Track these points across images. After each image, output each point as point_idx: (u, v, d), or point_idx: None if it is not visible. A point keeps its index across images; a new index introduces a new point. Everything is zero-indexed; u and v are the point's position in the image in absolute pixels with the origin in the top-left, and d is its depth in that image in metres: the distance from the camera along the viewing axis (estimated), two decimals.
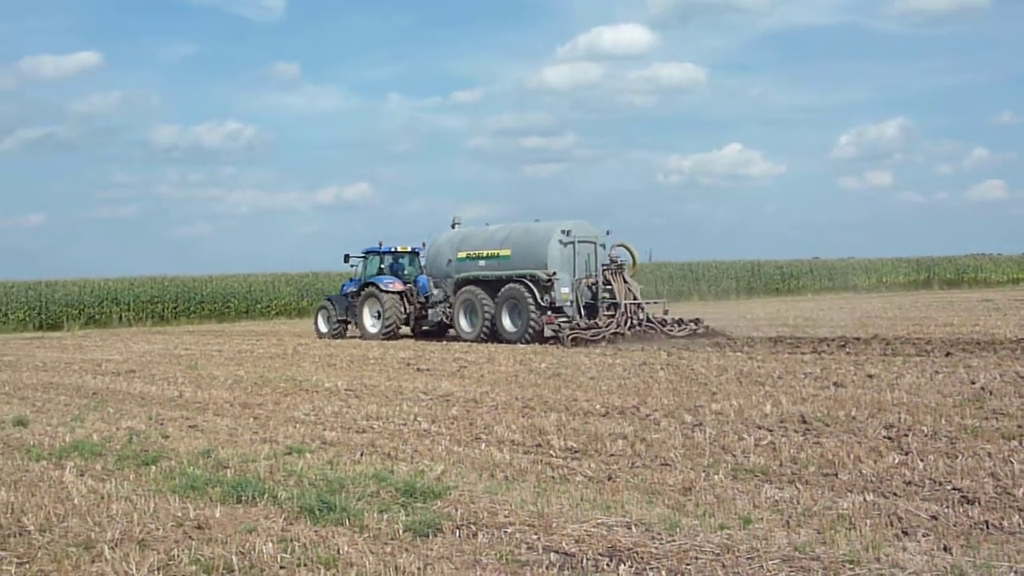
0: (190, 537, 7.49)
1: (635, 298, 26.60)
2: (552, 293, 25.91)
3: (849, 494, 8.15)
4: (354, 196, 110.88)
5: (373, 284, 30.50)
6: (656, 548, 6.84)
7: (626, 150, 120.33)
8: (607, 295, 26.49)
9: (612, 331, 25.16)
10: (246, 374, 19.91)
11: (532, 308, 25.87)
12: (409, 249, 31.84)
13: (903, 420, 11.28)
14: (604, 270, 26.80)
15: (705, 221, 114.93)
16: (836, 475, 8.81)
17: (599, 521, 7.53)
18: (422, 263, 31.09)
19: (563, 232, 26.51)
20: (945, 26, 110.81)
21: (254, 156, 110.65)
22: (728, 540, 6.94)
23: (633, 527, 7.35)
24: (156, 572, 6.65)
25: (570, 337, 24.59)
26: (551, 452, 10.41)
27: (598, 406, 13.27)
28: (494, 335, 26.95)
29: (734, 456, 9.78)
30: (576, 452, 10.37)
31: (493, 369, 19.09)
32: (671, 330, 25.90)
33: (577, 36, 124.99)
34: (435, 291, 29.22)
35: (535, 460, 10.01)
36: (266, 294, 55.68)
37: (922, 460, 9.20)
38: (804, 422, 11.42)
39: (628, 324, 25.73)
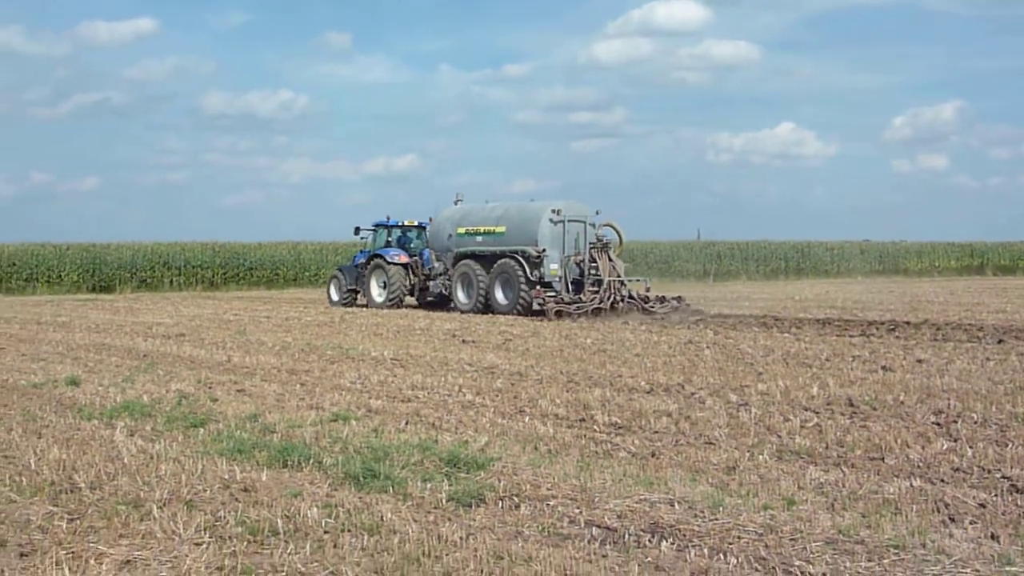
0: (236, 499, 7.59)
1: (619, 276, 27.68)
2: (541, 269, 27.30)
3: (895, 479, 8.08)
4: (403, 167, 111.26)
5: (380, 256, 31.99)
6: (699, 526, 6.83)
7: (676, 127, 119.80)
8: (593, 272, 27.53)
9: (594, 306, 26.44)
10: (293, 341, 20.07)
11: (522, 282, 27.35)
12: (416, 223, 33.28)
13: (952, 406, 11.16)
14: (591, 248, 27.85)
15: (755, 200, 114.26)
16: (883, 459, 8.75)
17: (642, 497, 7.53)
18: (427, 237, 32.31)
19: (553, 211, 27.85)
20: (1008, 7, 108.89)
21: (306, 126, 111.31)
22: (771, 521, 6.91)
23: (676, 504, 7.34)
24: (203, 532, 6.74)
25: (554, 310, 25.92)
26: (595, 427, 10.41)
27: (643, 383, 13.25)
28: (488, 307, 28.31)
29: (779, 437, 9.73)
30: (620, 428, 10.37)
31: (538, 343, 19.10)
32: (652, 307, 27.19)
33: (629, 11, 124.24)
34: (436, 264, 30.61)
35: (579, 434, 10.02)
36: (315, 262, 56.03)
37: (971, 447, 9.11)
38: (851, 405, 11.33)
39: (611, 300, 26.97)
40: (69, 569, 5.98)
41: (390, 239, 33.03)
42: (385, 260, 31.65)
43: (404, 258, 31.67)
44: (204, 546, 6.45)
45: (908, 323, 22.66)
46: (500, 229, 28.80)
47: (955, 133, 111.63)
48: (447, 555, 6.24)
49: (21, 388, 13.84)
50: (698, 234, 73.91)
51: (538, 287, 27.13)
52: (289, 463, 8.70)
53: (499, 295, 28.15)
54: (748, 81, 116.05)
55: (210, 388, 13.46)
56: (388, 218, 33.27)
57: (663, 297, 28.17)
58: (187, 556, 6.24)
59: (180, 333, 22.45)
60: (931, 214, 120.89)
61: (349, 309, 31.01)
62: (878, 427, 10.03)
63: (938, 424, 10.22)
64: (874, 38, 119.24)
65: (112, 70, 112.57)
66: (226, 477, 8.23)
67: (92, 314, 30.75)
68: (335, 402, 12.13)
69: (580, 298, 26.87)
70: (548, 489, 7.82)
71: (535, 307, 26.79)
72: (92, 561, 6.18)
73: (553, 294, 27.03)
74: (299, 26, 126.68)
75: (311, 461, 8.74)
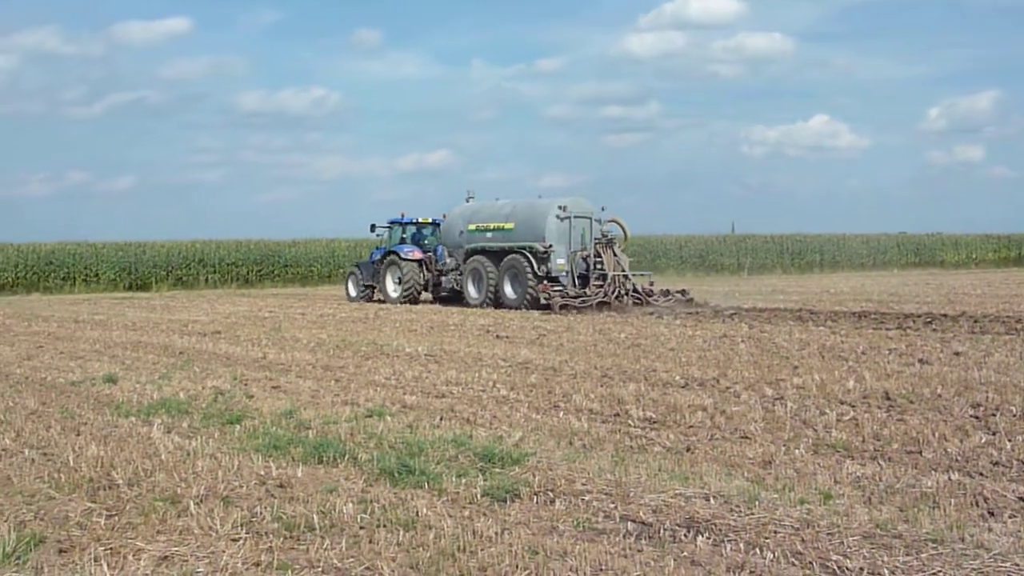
0: (272, 495, 7.62)
1: (623, 270, 28.50)
2: (548, 264, 28.05)
3: (933, 472, 8.01)
4: (435, 163, 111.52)
5: (394, 252, 32.81)
6: (734, 520, 6.80)
7: (710, 120, 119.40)
8: (598, 267, 28.34)
9: (599, 300, 27.44)
10: (328, 337, 20.15)
11: (530, 277, 28.03)
12: (430, 220, 34.11)
13: (991, 399, 11.05)
14: (596, 244, 28.64)
15: (789, 193, 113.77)
16: (920, 453, 8.68)
17: (677, 492, 7.51)
18: (440, 233, 33.14)
19: (560, 208, 28.55)
20: None
21: (338, 122, 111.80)
22: (808, 515, 6.87)
23: (711, 499, 7.31)
24: (239, 528, 6.77)
25: (559, 304, 26.80)
26: (629, 422, 10.39)
27: (677, 377, 13.21)
28: (497, 301, 28.98)
29: (815, 431, 9.67)
30: (654, 422, 10.34)
31: (572, 338, 19.08)
32: (656, 300, 28.26)
33: (662, 5, 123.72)
34: (448, 260, 31.55)
35: (613, 429, 10.00)
36: (349, 259, 56.17)
37: (1010, 440, 9.02)
38: (888, 398, 11.25)
39: (616, 294, 27.92)
40: (108, 565, 6.03)
41: (404, 236, 33.86)
42: (399, 256, 32.45)
43: (418, 254, 32.50)
44: (241, 542, 6.49)
45: (945, 316, 22.46)
46: (509, 225, 29.53)
47: (991, 123, 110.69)
48: (482, 550, 6.24)
49: (60, 386, 13.98)
50: (732, 227, 73.74)
51: (545, 281, 27.73)
52: (324, 459, 8.73)
53: (508, 290, 28.87)
54: (782, 73, 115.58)
55: (246, 385, 13.54)
56: (402, 215, 34.07)
57: (667, 290, 29.10)
58: (224, 552, 6.28)
59: (216, 330, 22.59)
60: (968, 205, 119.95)
61: (383, 306, 31.13)
62: (915, 420, 9.95)
63: (976, 417, 10.13)
64: (908, 28, 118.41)
65: (146, 70, 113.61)
66: (262, 473, 8.28)
67: (129, 312, 31.01)
68: (370, 398, 12.17)
69: (585, 292, 27.62)
70: (583, 484, 7.80)
71: (542, 301, 27.36)
72: (130, 557, 6.23)
73: (560, 288, 27.59)
74: (331, 23, 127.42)
75: (346, 457, 8.76)
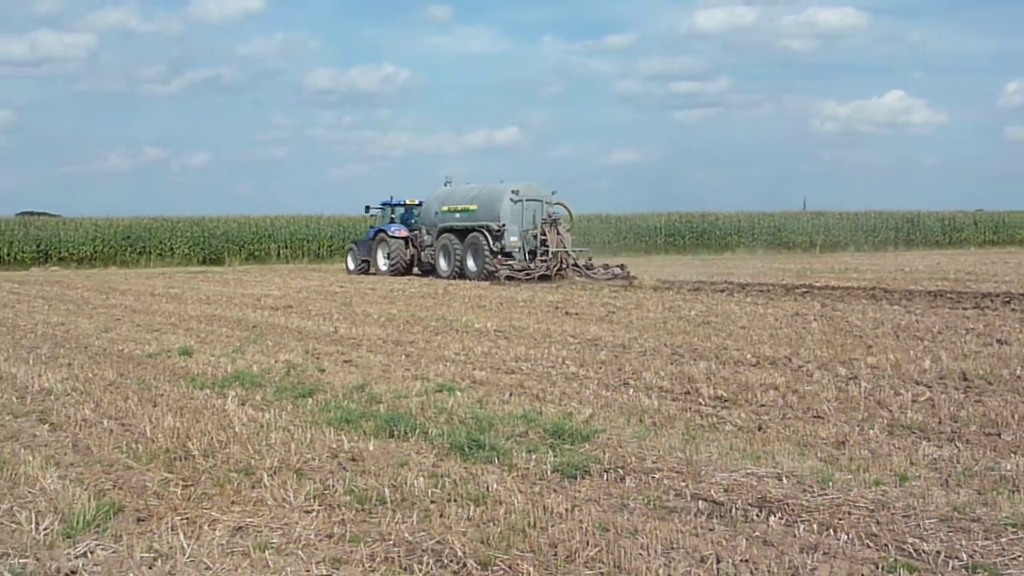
0: (344, 468, 7.69)
1: (565, 248, 31.99)
2: (502, 241, 31.81)
3: (1013, 455, 7.84)
4: (504, 139, 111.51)
5: (383, 231, 36.95)
6: (807, 501, 6.73)
7: (781, 95, 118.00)
8: (544, 244, 31.85)
9: (540, 273, 31.06)
10: (398, 312, 20.27)
11: (487, 252, 31.77)
12: (417, 202, 37.72)
13: None
14: (543, 223, 32.13)
15: (862, 170, 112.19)
16: (999, 435, 8.51)
17: (749, 471, 7.45)
18: (420, 213, 36.95)
19: (513, 192, 32.27)
20: None
21: (408, 99, 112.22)
22: (883, 496, 6.78)
23: (784, 479, 7.24)
24: (312, 500, 6.85)
25: (505, 275, 30.64)
26: (700, 400, 10.32)
27: (749, 355, 13.09)
28: (462, 274, 32.66)
29: (890, 411, 9.53)
30: (726, 401, 10.25)
31: (641, 315, 19.00)
32: (594, 274, 31.39)
33: None
34: (426, 237, 35.33)
35: (684, 407, 9.94)
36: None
37: None
38: (965, 379, 11.04)
39: (557, 268, 31.43)
40: (184, 534, 6.13)
41: (394, 216, 37.79)
42: (387, 234, 36.43)
43: (404, 232, 36.29)
44: (314, 514, 6.56)
45: None
46: (473, 207, 33.33)
47: None
48: (552, 526, 6.25)
49: (136, 358, 14.23)
50: (804, 204, 72.87)
51: (499, 256, 31.51)
52: (395, 433, 8.79)
53: (470, 263, 32.58)
54: (855, 48, 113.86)
55: (317, 359, 13.67)
56: (392, 197, 38.22)
57: (606, 265, 32.48)
58: (297, 523, 6.35)
59: (288, 305, 22.84)
60: None
61: (452, 281, 31.46)
62: (994, 402, 9.76)
63: None
64: (985, 0, 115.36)
65: (222, 47, 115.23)
66: (334, 446, 8.36)
67: (203, 286, 31.47)
68: (440, 373, 12.22)
69: (529, 266, 31.34)
70: (653, 462, 7.77)
71: (497, 274, 30.99)
72: (206, 527, 6.33)
73: (511, 263, 31.37)
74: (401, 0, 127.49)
75: (417, 431, 8.82)
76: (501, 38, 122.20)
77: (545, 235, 31.88)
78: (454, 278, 32.41)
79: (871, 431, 8.72)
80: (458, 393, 10.74)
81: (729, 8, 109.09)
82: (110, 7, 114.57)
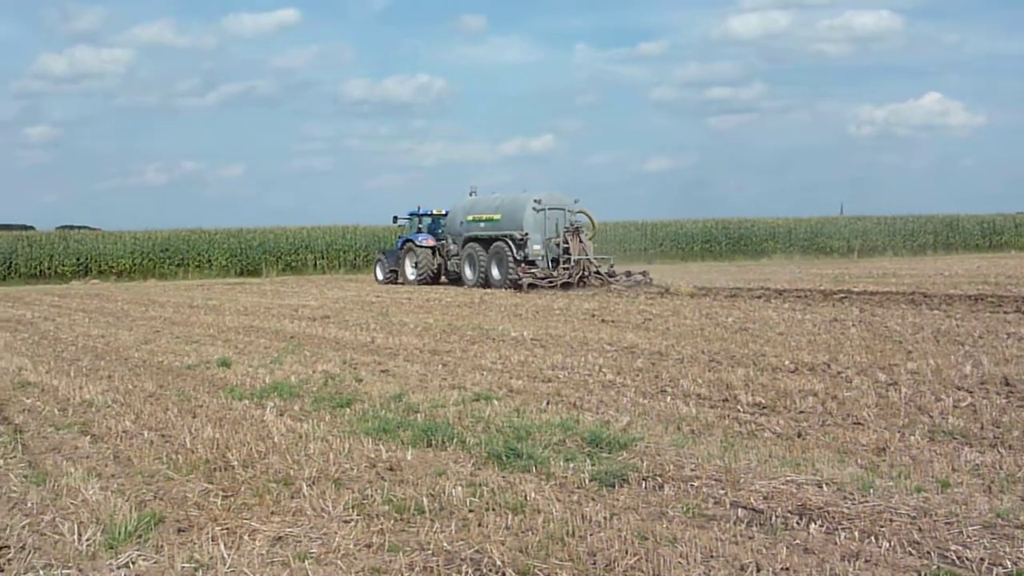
0: (383, 478, 7.71)
1: (587, 255, 32.34)
2: (525, 249, 32.26)
3: None
4: (539, 147, 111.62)
5: (411, 240, 37.52)
6: (848, 508, 6.67)
7: (816, 100, 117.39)
8: (566, 252, 32.28)
9: (563, 280, 31.36)
10: (435, 322, 20.31)
11: (510, 261, 32.21)
12: (443, 212, 38.00)
13: None
14: (565, 232, 32.55)
15: (900, 173, 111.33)
16: None
17: (788, 478, 7.39)
18: (446, 223, 37.33)
19: (535, 201, 32.74)
20: None
21: (443, 108, 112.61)
22: (925, 503, 6.71)
23: (824, 486, 7.19)
24: (351, 510, 6.87)
25: (528, 284, 30.76)
26: (738, 407, 10.27)
27: (787, 362, 13.01)
28: (487, 283, 33.08)
29: (931, 417, 9.44)
30: (764, 408, 10.20)
31: (678, 322, 18.93)
32: (617, 280, 31.84)
33: None
34: (452, 246, 35.78)
35: (722, 415, 9.90)
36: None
37: None
38: (1007, 384, 10.92)
39: (580, 276, 31.78)
40: (224, 545, 6.17)
41: (421, 226, 38.29)
42: (415, 244, 37.05)
43: (431, 242, 36.89)
44: (352, 523, 6.59)
45: None
46: (496, 216, 33.75)
47: None
48: (591, 535, 6.23)
49: (176, 369, 14.34)
50: (841, 209, 72.44)
51: (523, 264, 31.90)
52: (433, 442, 8.80)
53: (494, 272, 32.98)
54: (891, 51, 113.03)
55: (355, 369, 13.71)
56: (419, 208, 38.59)
57: (629, 272, 32.77)
58: (336, 533, 6.38)
59: (325, 315, 22.94)
60: None
61: (488, 291, 31.49)
62: None
63: None
64: (1022, 1, 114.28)
65: (257, 60, 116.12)
66: (372, 456, 8.38)
67: (241, 297, 31.67)
68: (477, 382, 12.23)
69: (552, 273, 31.63)
70: (692, 470, 7.74)
71: (520, 282, 31.12)
72: (246, 537, 6.36)
73: (534, 271, 31.70)
74: (436, 10, 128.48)
75: (454, 440, 8.82)
76: (535, 47, 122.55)
77: (567, 243, 32.36)
78: (479, 287, 32.99)
79: (912, 437, 8.65)
80: (495, 402, 10.74)
81: (763, 13, 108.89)
82: (147, 22, 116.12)
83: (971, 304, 21.16)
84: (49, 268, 51.34)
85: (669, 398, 10.82)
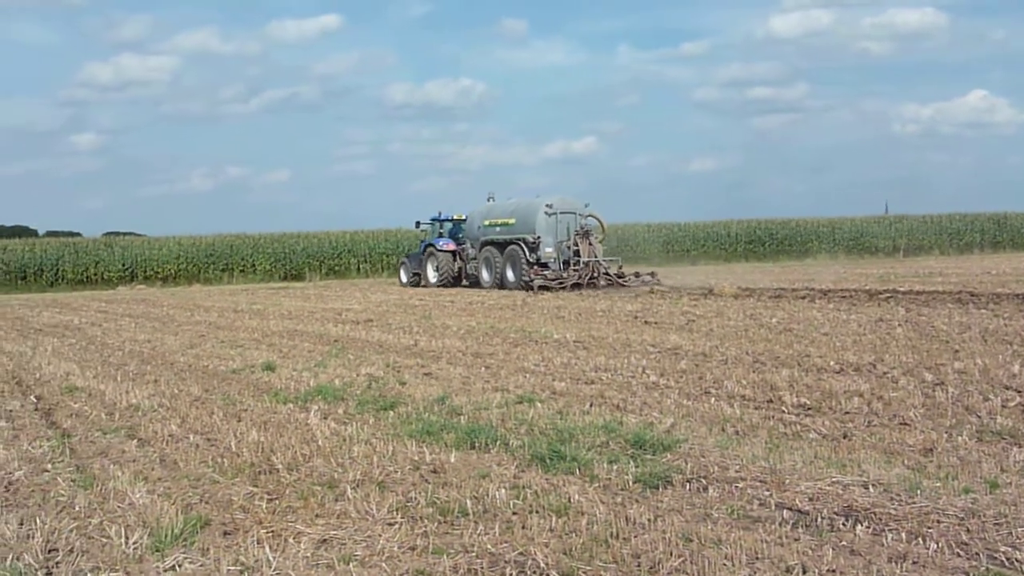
0: (426, 480, 7.73)
1: (596, 257, 33.60)
2: (538, 252, 33.80)
3: None
4: (580, 150, 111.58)
5: (432, 245, 39.08)
6: (895, 509, 6.60)
7: (860, 99, 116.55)
8: (576, 254, 33.62)
9: (573, 282, 32.61)
10: (477, 324, 20.34)
11: (523, 263, 33.71)
12: (463, 217, 39.38)
13: None
14: (576, 235, 33.90)
15: (945, 172, 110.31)
16: None
17: (834, 480, 7.33)
18: (464, 228, 38.96)
19: (547, 205, 34.21)
20: None
21: (485, 112, 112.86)
22: (973, 504, 6.63)
23: (870, 487, 7.12)
24: (395, 512, 6.89)
25: (539, 285, 32.09)
26: (783, 408, 10.20)
27: (832, 362, 12.90)
28: (503, 284, 34.52)
29: (979, 417, 9.32)
30: (809, 409, 10.12)
31: (722, 323, 18.83)
32: (627, 281, 33.18)
33: None
34: (471, 250, 37.43)
35: (766, 416, 9.83)
36: None
37: None
38: None
39: (589, 277, 32.99)
40: (270, 547, 6.20)
41: (442, 231, 39.89)
42: (436, 248, 38.56)
43: (451, 246, 38.48)
44: (396, 526, 6.60)
45: None
46: (511, 221, 35.26)
47: None
48: (635, 537, 6.21)
49: (221, 374, 14.45)
50: (886, 208, 71.80)
51: (536, 267, 33.29)
52: (476, 445, 8.81)
53: (509, 274, 34.45)
54: (935, 49, 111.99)
55: (398, 372, 13.76)
56: (440, 213, 40.19)
57: (637, 273, 34.21)
58: (380, 536, 6.40)
59: (368, 319, 23.04)
60: None
61: (529, 293, 31.47)
62: None
63: None
64: None
65: (300, 66, 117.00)
66: (416, 459, 8.40)
67: (284, 301, 31.88)
68: (520, 384, 12.22)
69: (562, 275, 32.93)
70: (736, 471, 7.69)
71: (532, 283, 32.49)
72: (291, 540, 6.39)
73: (546, 272, 33.04)
74: (477, 14, 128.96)
75: (498, 443, 8.83)
76: (576, 50, 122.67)
77: (578, 246, 33.64)
78: (495, 288, 34.54)
79: (960, 438, 8.55)
80: (538, 404, 10.74)
81: (805, 12, 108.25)
82: (191, 30, 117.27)
83: (1019, 303, 20.88)
84: (96, 274, 52.05)
85: (713, 399, 10.77)
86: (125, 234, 60.37)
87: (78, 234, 61.80)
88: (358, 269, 55.43)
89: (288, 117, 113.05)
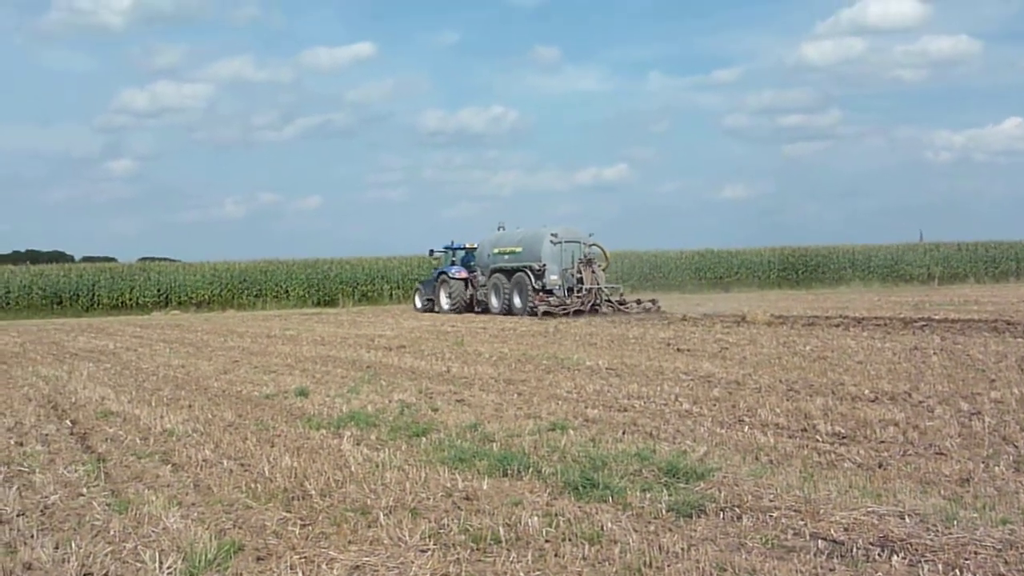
0: (459, 507, 7.72)
1: (599, 285, 34.87)
2: (543, 279, 34.83)
3: None
4: (612, 176, 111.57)
5: (444, 272, 40.12)
6: (931, 540, 6.54)
7: (893, 126, 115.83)
8: (579, 282, 34.78)
9: (575, 308, 33.94)
10: (510, 351, 20.33)
11: (530, 290, 34.77)
12: (475, 246, 40.36)
13: None
14: (579, 263, 35.05)
15: (979, 199, 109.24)
16: None
17: (869, 509, 7.27)
18: (475, 256, 39.98)
19: (553, 235, 35.31)
20: None
21: (516, 139, 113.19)
22: (1011, 535, 6.56)
23: (906, 517, 7.05)
24: (428, 539, 6.89)
25: (543, 311, 33.41)
26: (817, 437, 10.13)
27: (867, 391, 12.81)
28: (510, 311, 35.65)
29: (1016, 447, 9.23)
30: (844, 438, 10.05)
31: (755, 351, 18.74)
32: (628, 308, 34.47)
33: (839, 11, 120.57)
34: (481, 277, 38.62)
35: (800, 444, 9.77)
36: None
37: None
38: None
39: (592, 303, 34.44)
40: (303, 573, 6.22)
41: (455, 259, 40.94)
42: (448, 276, 39.62)
43: (463, 274, 39.48)
44: (429, 553, 6.60)
45: None
46: (518, 249, 36.51)
47: None
48: (668, 566, 6.18)
49: (254, 399, 14.51)
50: (920, 236, 71.18)
51: (541, 293, 34.41)
52: (509, 472, 8.80)
53: (516, 300, 35.62)
54: (969, 76, 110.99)
55: (431, 398, 13.77)
56: (452, 242, 41.29)
57: (639, 300, 35.54)
58: (413, 563, 6.40)
59: (401, 345, 23.08)
60: None
61: (563, 320, 31.52)
62: None
63: None
64: None
65: (334, 93, 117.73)
66: (448, 485, 8.40)
67: (317, 327, 31.99)
68: (552, 411, 12.21)
69: (565, 302, 34.13)
70: (770, 500, 7.64)
71: (538, 309, 33.69)
72: (324, 566, 6.40)
73: (551, 299, 34.19)
74: (509, 42, 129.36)
75: (530, 470, 8.81)
76: (608, 77, 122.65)
77: (581, 273, 34.81)
78: (504, 314, 35.66)
79: (997, 468, 8.46)
80: (571, 431, 10.72)
81: (838, 40, 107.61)
82: (227, 58, 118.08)
83: None
84: (131, 299, 52.45)
85: (747, 428, 10.71)
86: (160, 259, 60.81)
87: (113, 259, 62.35)
88: (391, 295, 55.54)
89: (321, 144, 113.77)
